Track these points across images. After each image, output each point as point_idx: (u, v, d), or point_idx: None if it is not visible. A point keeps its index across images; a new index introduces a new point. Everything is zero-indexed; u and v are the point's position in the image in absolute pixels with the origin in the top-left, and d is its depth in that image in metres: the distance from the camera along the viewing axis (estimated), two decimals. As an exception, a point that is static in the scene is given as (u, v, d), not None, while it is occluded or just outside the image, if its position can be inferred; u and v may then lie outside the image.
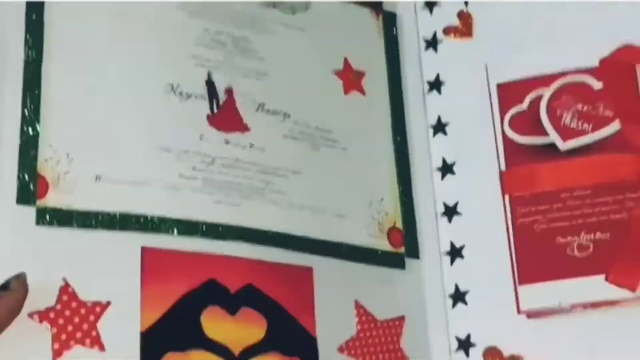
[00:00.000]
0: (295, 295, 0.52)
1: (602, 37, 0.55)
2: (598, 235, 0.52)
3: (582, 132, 0.54)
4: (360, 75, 0.58)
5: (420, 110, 0.58)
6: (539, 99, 0.55)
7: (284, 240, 0.53)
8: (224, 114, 0.54)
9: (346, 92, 0.58)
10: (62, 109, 0.49)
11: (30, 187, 0.47)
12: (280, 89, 0.55)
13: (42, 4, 0.51)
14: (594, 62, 0.54)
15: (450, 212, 0.56)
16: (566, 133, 0.54)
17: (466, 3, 0.59)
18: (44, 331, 0.45)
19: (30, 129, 0.48)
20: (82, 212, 0.47)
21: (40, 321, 0.45)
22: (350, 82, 0.58)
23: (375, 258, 0.55)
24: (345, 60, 0.58)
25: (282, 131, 0.55)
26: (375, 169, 0.57)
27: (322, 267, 0.53)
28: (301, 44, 0.57)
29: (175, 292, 0.49)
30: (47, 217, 0.46)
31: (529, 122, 0.55)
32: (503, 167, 0.54)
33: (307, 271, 0.53)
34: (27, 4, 0.50)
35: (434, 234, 0.56)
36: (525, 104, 0.55)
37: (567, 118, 0.54)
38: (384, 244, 0.55)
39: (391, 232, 0.55)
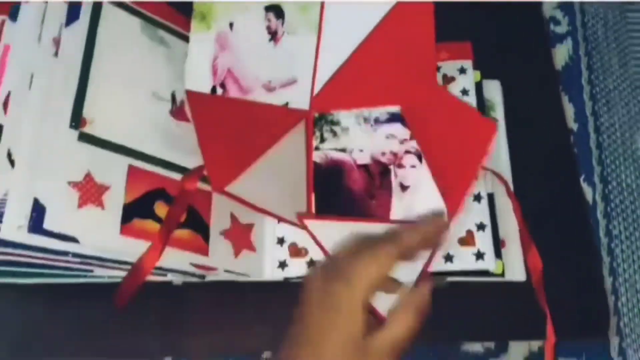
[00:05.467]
0: (202, 204, 0.57)
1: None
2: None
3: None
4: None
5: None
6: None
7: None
8: (178, 111, 0.61)
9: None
10: (100, 92, 0.54)
11: (78, 121, 0.51)
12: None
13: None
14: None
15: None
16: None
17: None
18: (74, 194, 0.49)
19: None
20: (102, 139, 0.52)
21: (73, 187, 0.49)
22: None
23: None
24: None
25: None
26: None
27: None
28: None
29: (141, 190, 0.53)
30: (84, 138, 0.51)
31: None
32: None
33: (209, 193, 0.58)
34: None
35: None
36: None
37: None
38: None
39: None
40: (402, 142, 0.62)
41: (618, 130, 0.68)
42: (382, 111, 0.65)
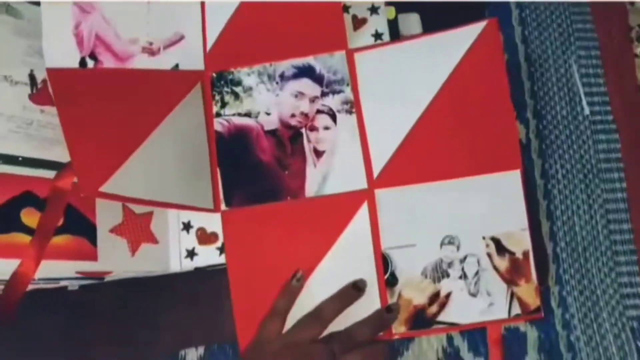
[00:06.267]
0: (83, 200, 0.49)
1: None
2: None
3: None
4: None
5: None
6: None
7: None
8: (40, 94, 0.51)
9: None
10: None
11: None
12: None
13: None
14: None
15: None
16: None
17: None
18: None
19: None
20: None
21: None
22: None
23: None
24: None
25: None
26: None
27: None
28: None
29: (4, 197, 0.46)
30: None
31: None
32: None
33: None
34: None
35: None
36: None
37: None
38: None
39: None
40: (312, 100, 0.55)
41: (551, 57, 0.60)
42: (287, 65, 0.56)
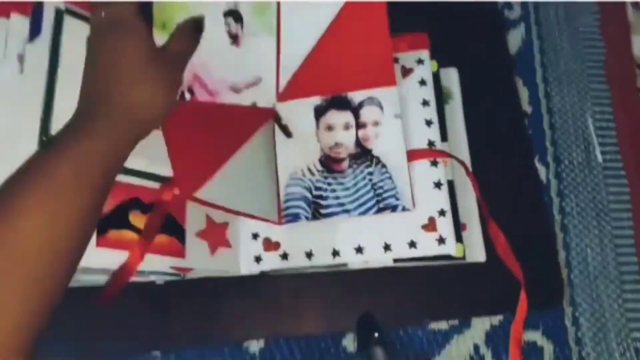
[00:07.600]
0: (177, 209, 0.55)
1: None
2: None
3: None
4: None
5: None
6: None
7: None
8: None
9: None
10: (68, 107, 0.49)
11: (47, 138, 0.49)
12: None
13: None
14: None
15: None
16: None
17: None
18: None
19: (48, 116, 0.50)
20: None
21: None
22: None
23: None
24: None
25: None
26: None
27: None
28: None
29: (116, 201, 0.51)
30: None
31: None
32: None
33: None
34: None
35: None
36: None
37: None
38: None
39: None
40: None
41: (569, 110, 0.67)
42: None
